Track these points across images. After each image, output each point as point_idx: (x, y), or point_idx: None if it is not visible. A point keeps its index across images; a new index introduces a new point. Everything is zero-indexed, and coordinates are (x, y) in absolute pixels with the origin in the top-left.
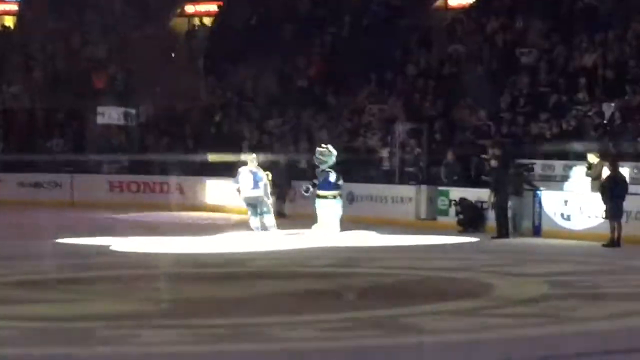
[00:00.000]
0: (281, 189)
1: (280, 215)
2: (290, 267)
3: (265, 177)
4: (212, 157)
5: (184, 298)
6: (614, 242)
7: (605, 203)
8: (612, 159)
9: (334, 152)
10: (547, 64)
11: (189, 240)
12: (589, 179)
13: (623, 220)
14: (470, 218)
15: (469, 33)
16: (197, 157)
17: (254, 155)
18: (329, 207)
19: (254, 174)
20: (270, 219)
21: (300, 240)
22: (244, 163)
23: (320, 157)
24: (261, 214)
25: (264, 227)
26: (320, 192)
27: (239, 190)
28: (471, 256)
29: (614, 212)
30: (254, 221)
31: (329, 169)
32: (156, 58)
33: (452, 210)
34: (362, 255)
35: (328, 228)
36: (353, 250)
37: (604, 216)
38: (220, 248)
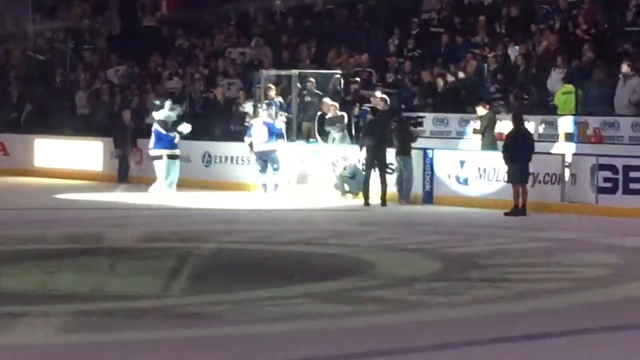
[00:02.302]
0: (124, 149)
1: (122, 179)
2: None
3: (284, 127)
4: None
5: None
6: (517, 210)
7: (507, 164)
8: (516, 112)
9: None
10: None
11: None
12: (479, 135)
13: (528, 184)
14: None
15: None
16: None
17: (264, 105)
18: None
19: (270, 125)
20: (278, 177)
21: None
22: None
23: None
24: (271, 170)
25: (271, 186)
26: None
27: (251, 145)
28: (350, 228)
29: (518, 175)
30: (263, 178)
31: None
32: None
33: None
34: (210, 227)
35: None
36: (199, 222)
37: (506, 180)
38: None
